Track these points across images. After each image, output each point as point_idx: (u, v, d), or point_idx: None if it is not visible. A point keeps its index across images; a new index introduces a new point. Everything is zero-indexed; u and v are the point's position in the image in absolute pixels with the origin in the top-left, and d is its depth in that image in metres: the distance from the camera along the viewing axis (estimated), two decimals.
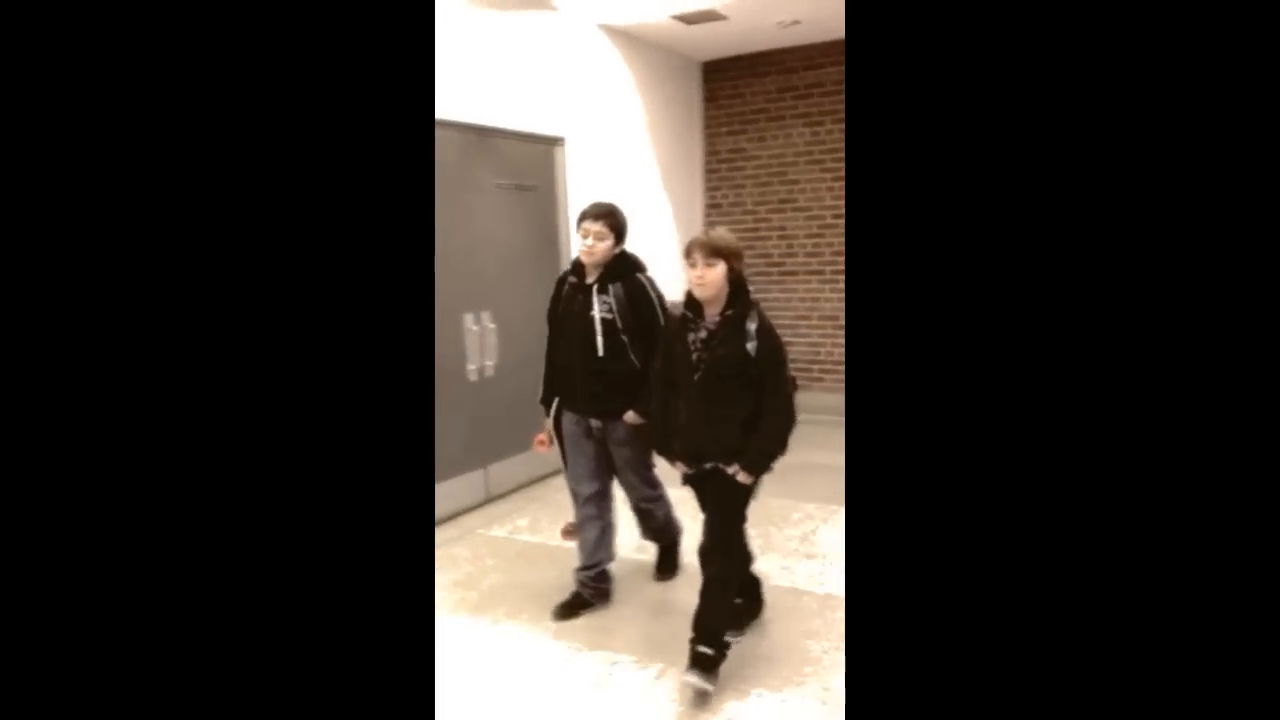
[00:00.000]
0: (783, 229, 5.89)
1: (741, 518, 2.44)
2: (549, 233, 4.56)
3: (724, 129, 6.01)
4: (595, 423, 2.76)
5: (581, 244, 2.67)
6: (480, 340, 4.07)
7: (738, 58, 5.85)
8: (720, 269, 2.28)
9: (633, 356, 2.68)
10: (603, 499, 2.90)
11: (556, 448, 2.90)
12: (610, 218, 2.67)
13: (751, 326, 2.30)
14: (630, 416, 2.70)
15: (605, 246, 2.66)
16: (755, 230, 5.97)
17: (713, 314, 2.34)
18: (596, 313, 2.67)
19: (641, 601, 2.99)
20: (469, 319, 4.02)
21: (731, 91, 5.94)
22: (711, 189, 6.11)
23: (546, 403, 2.89)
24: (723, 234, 2.33)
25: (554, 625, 2.83)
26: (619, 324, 2.66)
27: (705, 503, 2.49)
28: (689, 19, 4.83)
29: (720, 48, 5.62)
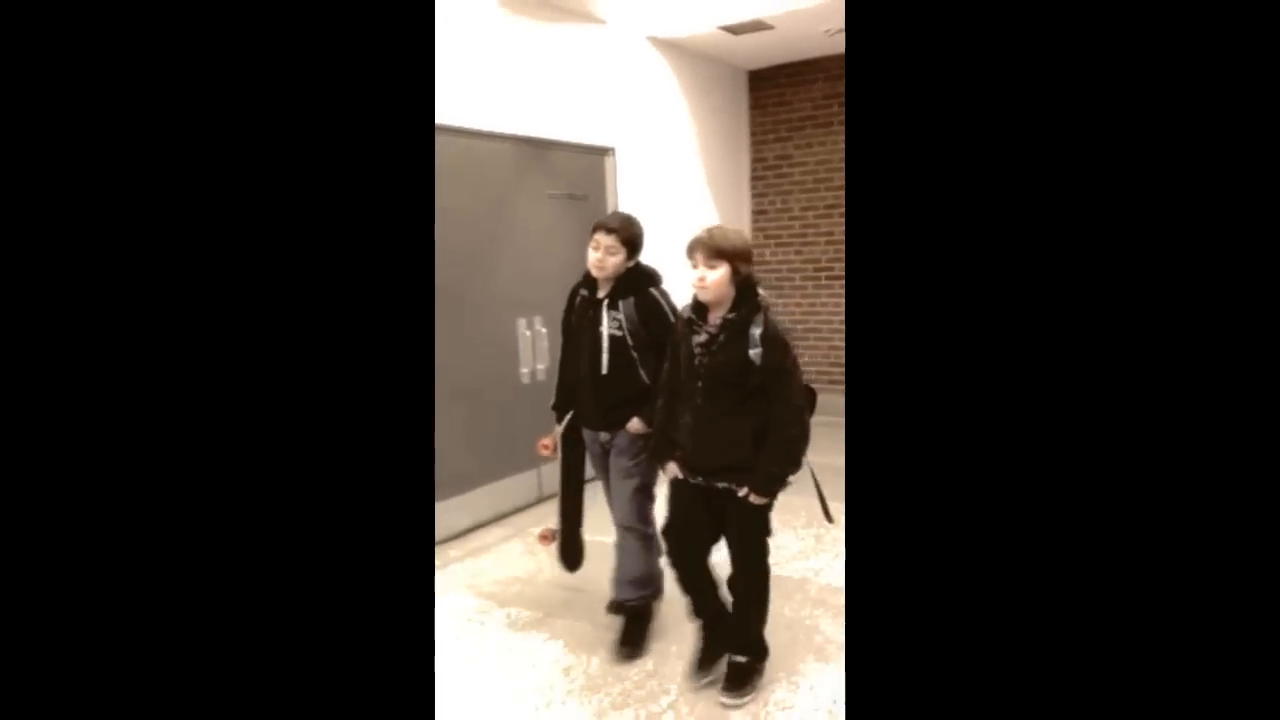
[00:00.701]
0: (830, 234, 5.92)
1: (764, 535, 2.35)
2: None
3: (771, 136, 6.07)
4: (604, 436, 2.68)
5: (592, 255, 2.56)
6: (532, 344, 4.20)
7: (784, 66, 5.91)
8: (723, 272, 2.15)
9: (643, 372, 2.57)
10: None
11: (560, 457, 2.84)
12: (624, 231, 2.54)
13: (756, 332, 2.15)
14: (634, 424, 2.58)
15: (616, 261, 2.54)
16: (803, 235, 6.01)
17: (716, 317, 2.22)
18: (605, 329, 2.56)
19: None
20: (521, 324, 4.15)
21: (778, 99, 5.99)
22: (758, 195, 6.17)
23: (558, 409, 2.83)
24: (727, 233, 2.19)
25: (606, 619, 2.91)
26: (629, 340, 2.55)
27: (687, 517, 2.38)
28: (736, 29, 4.91)
29: (767, 56, 5.69)
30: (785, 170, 6.04)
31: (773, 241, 6.13)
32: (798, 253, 6.03)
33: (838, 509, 2.98)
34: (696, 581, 2.44)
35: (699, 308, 2.25)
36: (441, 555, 3.69)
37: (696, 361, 2.22)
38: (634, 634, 2.74)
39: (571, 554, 2.94)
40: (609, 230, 2.54)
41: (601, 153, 4.67)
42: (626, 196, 4.77)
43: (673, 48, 5.21)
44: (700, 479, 2.32)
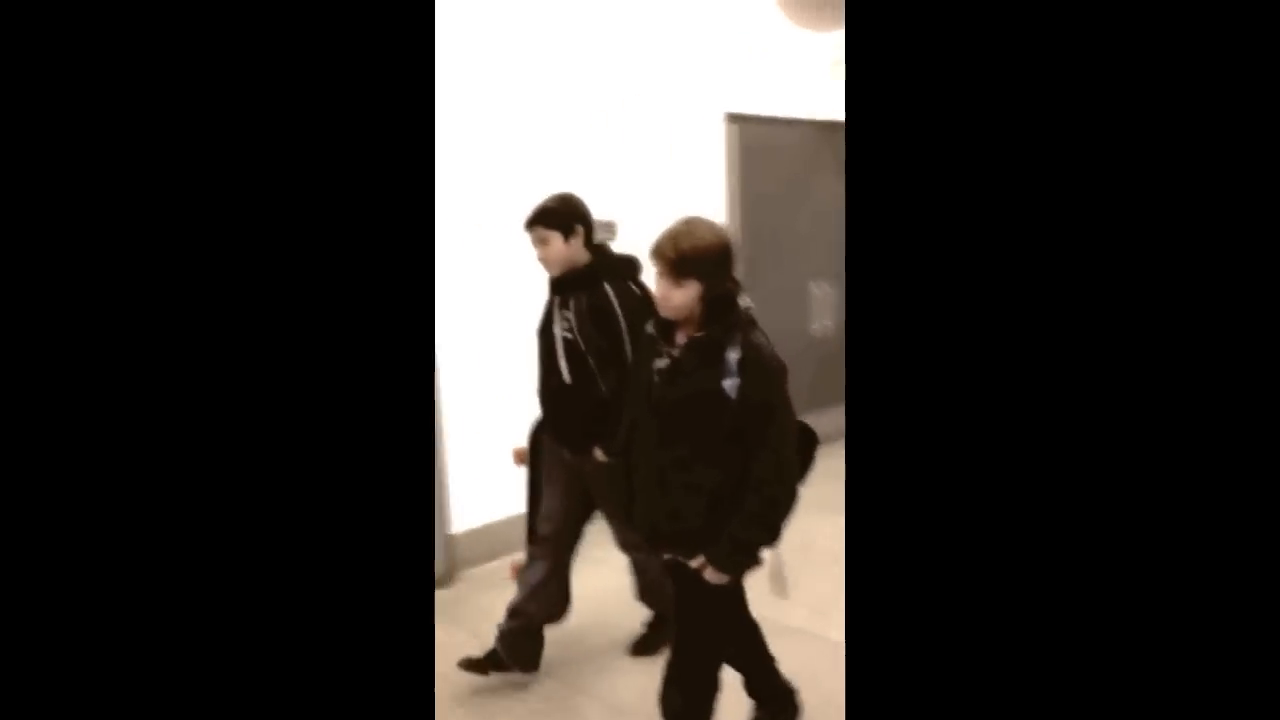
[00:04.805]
0: None
1: (715, 643, 1.78)
2: None
3: None
4: (567, 455, 2.32)
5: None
6: (821, 302, 5.01)
7: None
8: (690, 289, 1.61)
9: (601, 384, 2.19)
10: (560, 543, 2.38)
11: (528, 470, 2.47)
12: (552, 215, 2.18)
13: (732, 356, 1.61)
14: (597, 454, 2.19)
15: (556, 250, 2.19)
16: None
17: (683, 337, 1.68)
18: (558, 330, 2.23)
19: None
20: (812, 285, 4.97)
21: None
22: None
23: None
24: (696, 235, 1.61)
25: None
26: (581, 345, 2.18)
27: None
28: None
29: None
30: None
31: None
32: None
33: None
34: (710, 683, 1.77)
35: (664, 324, 1.72)
36: None
37: (655, 394, 1.69)
38: (653, 637, 2.55)
39: (534, 632, 2.42)
40: (532, 223, 2.21)
41: None
42: None
43: None
44: (652, 548, 1.83)
